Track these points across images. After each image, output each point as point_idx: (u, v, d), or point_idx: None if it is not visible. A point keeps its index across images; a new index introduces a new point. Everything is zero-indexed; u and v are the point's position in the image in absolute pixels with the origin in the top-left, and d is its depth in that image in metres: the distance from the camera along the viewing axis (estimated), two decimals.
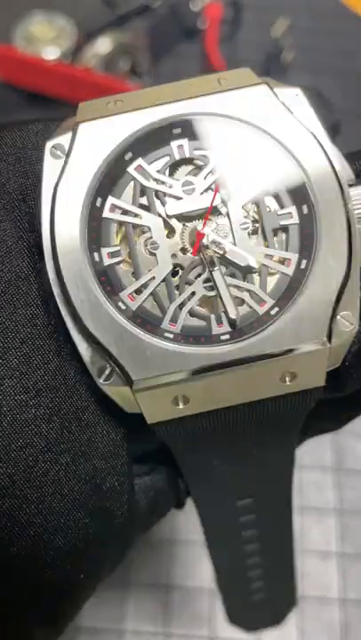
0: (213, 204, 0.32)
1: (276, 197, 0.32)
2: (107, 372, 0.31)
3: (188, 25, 0.93)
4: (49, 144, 0.31)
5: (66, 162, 0.31)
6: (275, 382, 0.31)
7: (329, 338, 0.31)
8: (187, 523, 0.63)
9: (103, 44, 0.85)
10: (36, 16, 0.92)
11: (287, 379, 0.31)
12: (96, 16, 0.92)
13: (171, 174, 0.32)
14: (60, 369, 0.31)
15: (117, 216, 0.31)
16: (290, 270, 0.31)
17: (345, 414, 0.40)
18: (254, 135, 0.31)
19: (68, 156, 0.31)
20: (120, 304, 0.31)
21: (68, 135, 0.31)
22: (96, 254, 0.31)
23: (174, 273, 0.32)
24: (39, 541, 0.30)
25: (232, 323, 0.31)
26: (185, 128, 0.32)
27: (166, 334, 0.31)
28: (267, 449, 0.36)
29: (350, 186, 0.32)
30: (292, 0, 1.02)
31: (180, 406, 0.31)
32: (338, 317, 0.31)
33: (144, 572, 0.62)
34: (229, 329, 0.31)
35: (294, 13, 0.99)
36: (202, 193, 0.32)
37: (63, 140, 0.31)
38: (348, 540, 0.64)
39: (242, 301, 0.32)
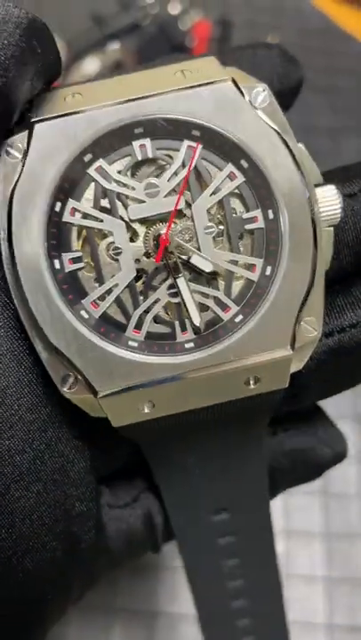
0: (178, 208, 0.31)
1: (242, 200, 0.31)
2: (70, 380, 0.30)
3: (176, 43, 0.93)
4: (5, 143, 0.30)
5: (23, 164, 0.30)
6: (239, 386, 0.32)
7: (293, 344, 0.31)
8: (172, 548, 0.62)
9: (92, 64, 0.86)
10: None
11: (251, 382, 0.31)
12: (85, 34, 0.92)
13: (133, 175, 0.31)
14: (36, 403, 0.31)
15: (78, 220, 0.31)
16: (255, 276, 0.31)
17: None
18: (219, 137, 0.31)
19: (24, 157, 0.30)
20: (83, 312, 0.31)
21: (24, 134, 0.30)
22: (57, 261, 0.30)
23: (138, 278, 0.31)
24: (8, 563, 0.31)
25: (196, 330, 0.31)
26: (147, 127, 0.31)
27: (130, 342, 0.31)
28: (235, 447, 0.36)
29: (317, 186, 0.32)
30: (282, 18, 1.03)
31: (146, 410, 0.31)
32: (302, 323, 0.31)
33: (129, 597, 0.62)
34: (193, 336, 0.31)
35: (283, 31, 1.00)
36: (165, 196, 0.31)
37: (19, 138, 0.30)
38: (335, 564, 0.64)
39: (206, 307, 0.32)
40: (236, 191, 0.31)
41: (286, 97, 0.35)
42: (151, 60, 0.82)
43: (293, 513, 0.66)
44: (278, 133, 0.31)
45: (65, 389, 0.31)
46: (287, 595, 0.62)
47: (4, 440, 0.30)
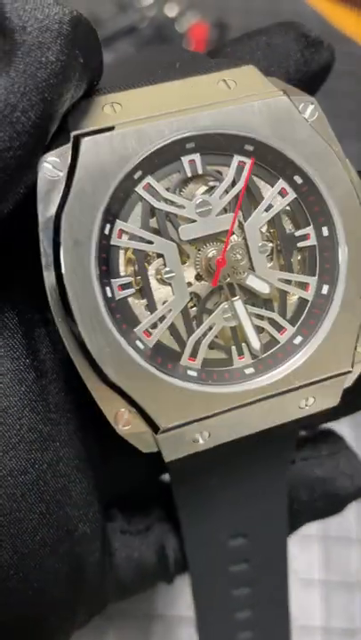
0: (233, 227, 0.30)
1: (292, 217, 0.30)
2: (125, 417, 0.29)
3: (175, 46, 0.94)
4: (43, 159, 0.27)
5: (69, 183, 0.27)
6: (295, 408, 0.30)
7: (353, 363, 0.30)
8: None
9: None
10: None
11: (306, 405, 0.30)
12: None
13: (180, 192, 0.30)
14: (37, 422, 0.31)
15: (126, 242, 0.28)
16: (309, 295, 0.30)
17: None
18: (272, 152, 0.29)
19: (69, 174, 0.27)
20: (138, 342, 0.29)
21: (66, 149, 0.27)
22: (108, 289, 0.28)
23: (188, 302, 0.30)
24: (11, 583, 0.30)
25: (255, 354, 0.30)
26: (199, 142, 0.29)
27: (189, 372, 0.29)
28: (261, 471, 0.34)
29: None
30: (279, 21, 1.03)
31: (201, 441, 0.30)
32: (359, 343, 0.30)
33: (125, 601, 0.61)
34: (251, 360, 0.30)
35: None
36: (217, 214, 0.29)
37: (60, 154, 0.27)
38: (332, 567, 0.64)
39: (261, 329, 0.30)
40: (288, 208, 0.30)
41: (309, 84, 0.33)
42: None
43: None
44: (334, 150, 0.30)
45: (120, 427, 0.29)
46: None
47: (6, 461, 0.30)
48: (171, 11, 0.93)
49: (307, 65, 0.32)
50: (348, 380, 0.31)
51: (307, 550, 0.64)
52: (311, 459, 0.38)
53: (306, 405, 0.30)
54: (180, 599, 0.61)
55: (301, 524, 0.40)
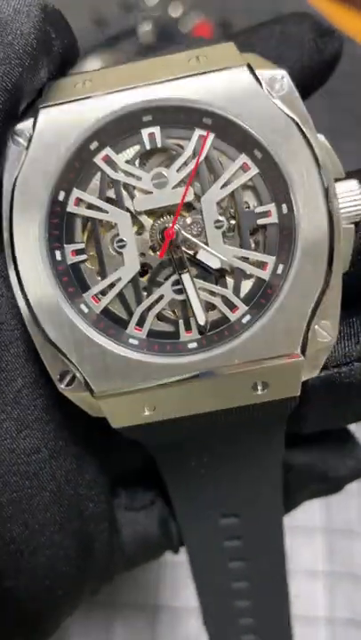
0: (186, 200, 0.30)
1: (255, 193, 0.30)
2: (68, 377, 0.30)
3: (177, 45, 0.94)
4: (11, 131, 0.29)
5: (27, 150, 0.29)
6: (246, 391, 0.30)
7: (303, 349, 0.29)
8: None
9: (93, 64, 0.86)
10: None
11: (259, 388, 0.30)
12: (86, 36, 0.93)
13: (141, 165, 0.30)
14: (51, 404, 0.32)
15: (83, 210, 0.30)
16: (266, 275, 0.30)
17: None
18: (231, 125, 0.29)
19: (28, 144, 0.29)
20: (82, 306, 0.30)
21: (30, 121, 0.29)
22: (58, 252, 0.29)
23: (143, 273, 0.30)
24: (21, 557, 0.32)
25: (201, 329, 0.30)
26: (157, 115, 0.29)
27: (131, 340, 0.30)
28: (247, 455, 0.35)
29: (337, 180, 0.30)
30: None
31: (146, 413, 0.30)
32: (315, 327, 0.29)
33: (131, 592, 0.62)
34: (198, 336, 0.30)
35: None
36: (174, 187, 0.30)
37: (25, 125, 0.29)
38: (336, 559, 0.64)
39: (213, 306, 0.30)
40: (250, 183, 0.30)
41: (320, 72, 0.34)
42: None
43: (295, 509, 0.66)
44: (296, 123, 0.29)
45: (62, 386, 0.30)
46: (289, 589, 0.63)
47: (20, 440, 0.31)
48: (174, 11, 0.94)
49: (320, 53, 0.33)
50: (310, 370, 0.30)
51: (311, 542, 0.65)
52: (308, 443, 0.38)
53: (260, 390, 0.30)
54: (185, 590, 0.62)
55: (298, 504, 0.40)
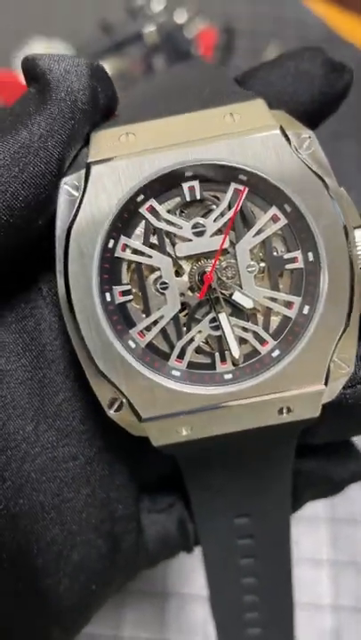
0: (223, 247, 0.32)
1: (283, 241, 0.33)
2: (116, 404, 0.33)
3: (182, 51, 0.96)
4: (63, 181, 0.32)
5: (80, 203, 0.31)
6: (272, 414, 0.33)
7: (326, 380, 0.32)
8: None
9: None
10: (36, 42, 0.95)
11: (284, 412, 0.33)
12: (94, 42, 0.95)
13: (181, 214, 0.33)
14: (88, 415, 0.35)
15: (129, 255, 0.32)
16: (292, 313, 0.33)
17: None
18: (264, 182, 0.32)
19: (81, 197, 0.31)
20: (130, 342, 0.33)
21: (81, 174, 0.32)
22: (108, 294, 0.32)
23: (182, 310, 0.33)
24: (60, 556, 0.34)
25: (235, 362, 0.33)
26: (197, 171, 0.32)
27: (173, 372, 0.33)
28: (264, 463, 0.37)
29: (356, 228, 0.33)
30: (284, 27, 1.06)
31: (184, 433, 0.33)
32: (335, 359, 0.32)
33: (141, 579, 0.63)
34: (232, 367, 0.33)
35: (285, 40, 1.03)
36: (211, 235, 0.32)
37: (77, 178, 0.32)
38: (340, 547, 0.66)
39: (245, 341, 0.33)
40: (279, 232, 0.33)
41: (331, 104, 0.36)
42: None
43: None
44: (321, 179, 0.32)
45: (111, 412, 0.33)
46: (294, 577, 0.64)
47: (59, 447, 0.33)
48: (180, 17, 0.96)
49: (330, 87, 0.35)
50: (329, 395, 0.33)
51: (315, 531, 0.66)
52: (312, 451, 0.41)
53: (285, 413, 0.33)
54: (193, 578, 0.64)
55: (303, 504, 0.43)
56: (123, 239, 0.32)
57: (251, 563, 0.41)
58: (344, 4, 1.08)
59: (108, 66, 0.89)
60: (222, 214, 0.32)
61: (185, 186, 0.32)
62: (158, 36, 0.90)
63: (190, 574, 0.63)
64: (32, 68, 0.32)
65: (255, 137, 0.32)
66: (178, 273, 0.33)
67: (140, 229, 0.33)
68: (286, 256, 0.33)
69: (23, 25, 1.00)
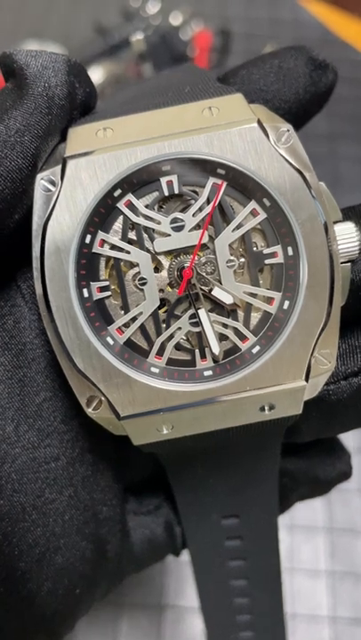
0: (202, 242, 0.32)
1: (263, 235, 0.32)
2: (95, 402, 0.32)
3: (178, 53, 0.96)
4: (39, 176, 0.31)
5: (56, 198, 0.31)
6: (254, 412, 0.33)
7: (307, 376, 0.32)
8: None
9: (95, 74, 0.88)
10: (30, 45, 0.94)
11: (266, 409, 0.33)
12: (88, 45, 0.94)
13: (160, 209, 0.32)
14: (69, 415, 0.34)
15: (106, 251, 0.32)
16: (273, 309, 0.32)
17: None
18: (242, 176, 0.32)
19: (58, 192, 0.31)
20: (108, 339, 0.32)
21: (57, 169, 0.31)
22: (85, 290, 0.32)
23: (161, 306, 0.33)
24: (43, 559, 0.34)
25: (215, 358, 0.33)
26: (175, 165, 0.32)
27: (152, 369, 0.32)
28: (249, 461, 0.37)
29: (336, 223, 0.33)
30: (279, 28, 1.05)
31: (165, 432, 0.33)
32: (316, 355, 0.32)
33: (137, 591, 0.63)
34: (212, 363, 0.33)
35: (281, 41, 1.02)
36: (190, 230, 0.32)
37: (53, 173, 0.31)
38: (338, 557, 0.65)
39: (225, 337, 0.33)
40: (258, 227, 0.32)
41: (316, 102, 0.36)
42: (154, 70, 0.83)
43: (297, 508, 0.67)
44: (300, 172, 0.31)
45: (90, 410, 0.32)
46: (292, 588, 0.64)
47: (41, 448, 0.33)
48: (175, 19, 0.95)
49: (315, 85, 0.35)
50: (311, 391, 0.33)
51: (312, 541, 0.66)
52: (299, 451, 0.41)
53: (267, 410, 0.33)
54: (189, 590, 0.63)
55: (291, 505, 0.43)
56: (100, 234, 0.32)
57: (240, 564, 0.41)
58: (340, 4, 1.07)
59: (103, 69, 0.89)
60: (201, 209, 0.32)
61: (163, 180, 0.32)
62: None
63: (187, 586, 0.63)
64: (9, 64, 0.32)
65: (233, 130, 0.31)
66: (157, 269, 0.33)
67: (118, 225, 0.32)
68: (266, 251, 0.32)
69: (16, 28, 0.99)
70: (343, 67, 1.05)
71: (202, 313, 0.32)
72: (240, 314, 0.33)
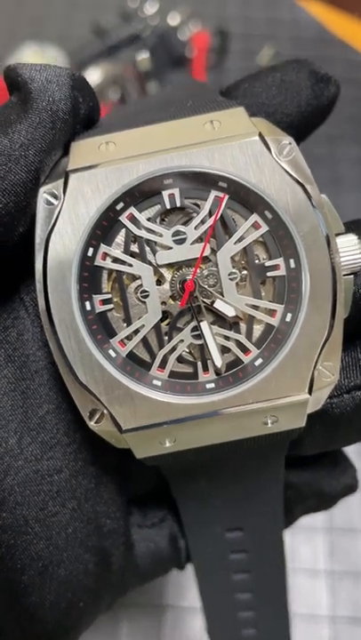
0: (204, 254, 0.32)
1: (265, 248, 0.33)
2: (97, 415, 0.32)
3: (176, 54, 0.96)
4: (42, 190, 0.32)
5: (59, 212, 0.31)
6: (257, 425, 0.33)
7: (310, 388, 0.32)
8: None
9: (94, 75, 0.88)
10: (28, 47, 0.94)
11: (269, 422, 0.33)
12: (87, 46, 0.94)
13: (162, 222, 0.33)
14: (72, 427, 0.34)
15: (109, 264, 0.32)
16: (275, 321, 0.32)
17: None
18: (244, 189, 0.32)
19: (60, 205, 0.31)
20: (110, 351, 0.32)
21: (60, 183, 0.31)
22: (88, 303, 0.32)
23: (163, 319, 0.33)
24: (45, 572, 0.34)
25: (217, 371, 0.33)
26: (177, 179, 0.32)
27: (155, 382, 0.32)
28: (253, 475, 0.37)
29: (338, 235, 0.33)
30: (277, 28, 1.05)
31: (167, 445, 0.33)
32: (320, 367, 0.32)
33: (137, 592, 0.62)
34: (215, 376, 0.33)
35: (279, 41, 1.02)
36: (192, 243, 0.32)
37: (55, 187, 0.32)
38: (337, 557, 0.66)
39: (228, 349, 0.33)
40: (260, 239, 0.32)
41: (318, 116, 0.36)
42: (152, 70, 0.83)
43: None
44: (302, 185, 0.31)
45: (92, 423, 0.32)
46: (291, 588, 0.64)
47: (44, 460, 0.33)
48: (173, 20, 0.95)
49: (317, 99, 0.35)
50: (314, 404, 0.33)
51: (312, 541, 0.66)
52: (304, 463, 0.41)
53: (270, 423, 0.33)
54: (190, 591, 0.63)
55: (296, 519, 0.43)
56: (103, 247, 0.32)
57: (244, 578, 0.40)
58: (339, 4, 1.07)
59: (101, 70, 0.89)
60: (203, 222, 0.32)
61: (165, 193, 0.32)
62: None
63: (187, 587, 0.63)
64: (14, 77, 0.32)
65: (234, 144, 0.31)
66: (159, 281, 0.33)
67: (120, 238, 0.32)
68: (268, 263, 0.32)
69: (14, 29, 0.99)
70: (341, 67, 1.05)
71: (204, 325, 0.32)
72: (242, 326, 0.33)
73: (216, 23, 0.99)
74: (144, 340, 0.32)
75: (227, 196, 0.32)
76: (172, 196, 0.32)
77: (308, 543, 0.66)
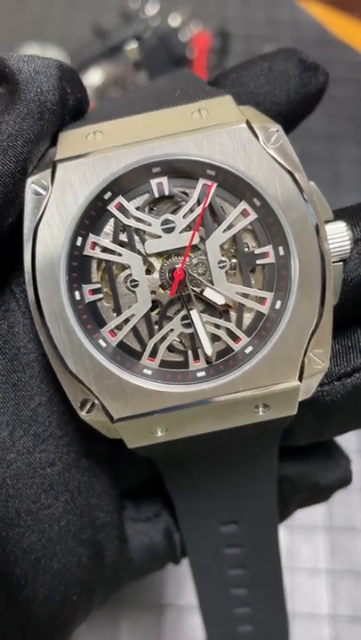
0: (192, 243, 0.32)
1: (254, 236, 0.33)
2: (88, 405, 0.32)
3: (177, 54, 0.96)
4: (30, 180, 0.31)
5: (47, 202, 0.31)
6: (248, 412, 0.33)
7: (301, 376, 0.32)
8: None
9: (95, 75, 0.88)
10: (29, 47, 0.95)
11: (260, 409, 0.33)
12: (88, 47, 0.94)
13: (150, 211, 0.33)
14: (65, 420, 0.34)
15: (98, 254, 0.32)
16: (265, 309, 0.32)
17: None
18: (232, 176, 0.32)
19: (48, 195, 0.31)
20: (100, 341, 0.32)
21: (48, 173, 0.31)
22: (77, 292, 0.32)
23: (153, 308, 0.33)
24: (38, 564, 0.33)
25: (208, 359, 0.33)
26: (165, 167, 0.32)
27: (145, 370, 0.32)
28: (246, 465, 0.37)
29: (327, 222, 0.33)
30: (278, 29, 1.05)
31: (159, 434, 0.33)
32: (310, 355, 0.32)
33: (137, 591, 0.63)
34: (205, 365, 0.33)
35: (280, 42, 1.02)
36: (181, 231, 0.32)
37: (43, 177, 0.31)
38: (338, 556, 0.66)
39: (218, 338, 0.33)
40: (249, 227, 0.32)
41: (307, 104, 0.36)
42: (154, 73, 0.83)
43: None
44: (290, 172, 0.31)
45: (83, 413, 0.32)
46: (292, 587, 0.64)
47: (36, 453, 0.33)
48: (174, 20, 0.95)
49: (305, 87, 0.35)
50: (305, 392, 0.33)
51: (312, 540, 0.66)
52: (297, 455, 0.40)
53: (261, 411, 0.33)
54: (189, 589, 0.63)
55: (291, 513, 0.43)
56: (91, 237, 0.32)
57: (240, 573, 0.40)
58: (339, 5, 1.08)
59: (102, 71, 0.89)
60: (191, 210, 0.32)
61: (153, 182, 0.32)
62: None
63: (187, 585, 0.63)
64: (1, 69, 0.33)
65: (222, 131, 0.31)
66: (149, 271, 0.33)
67: (109, 227, 0.32)
68: (257, 251, 0.32)
69: (15, 30, 0.99)
70: (342, 67, 1.06)
71: (194, 314, 0.32)
72: (232, 314, 0.33)
73: (217, 24, 0.99)
74: (134, 330, 0.32)
75: (215, 184, 0.32)
76: (160, 185, 0.32)
77: (308, 542, 0.66)
